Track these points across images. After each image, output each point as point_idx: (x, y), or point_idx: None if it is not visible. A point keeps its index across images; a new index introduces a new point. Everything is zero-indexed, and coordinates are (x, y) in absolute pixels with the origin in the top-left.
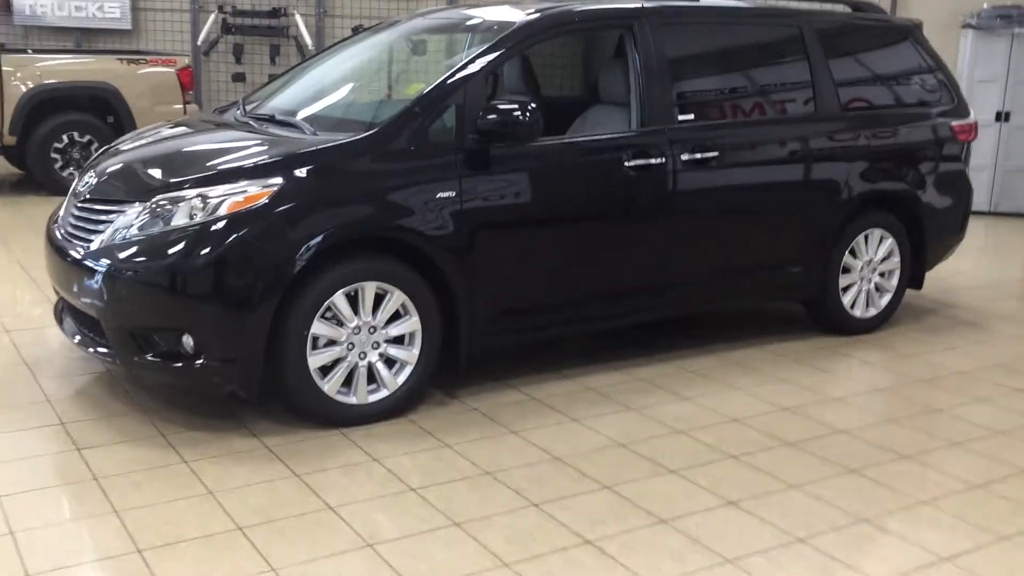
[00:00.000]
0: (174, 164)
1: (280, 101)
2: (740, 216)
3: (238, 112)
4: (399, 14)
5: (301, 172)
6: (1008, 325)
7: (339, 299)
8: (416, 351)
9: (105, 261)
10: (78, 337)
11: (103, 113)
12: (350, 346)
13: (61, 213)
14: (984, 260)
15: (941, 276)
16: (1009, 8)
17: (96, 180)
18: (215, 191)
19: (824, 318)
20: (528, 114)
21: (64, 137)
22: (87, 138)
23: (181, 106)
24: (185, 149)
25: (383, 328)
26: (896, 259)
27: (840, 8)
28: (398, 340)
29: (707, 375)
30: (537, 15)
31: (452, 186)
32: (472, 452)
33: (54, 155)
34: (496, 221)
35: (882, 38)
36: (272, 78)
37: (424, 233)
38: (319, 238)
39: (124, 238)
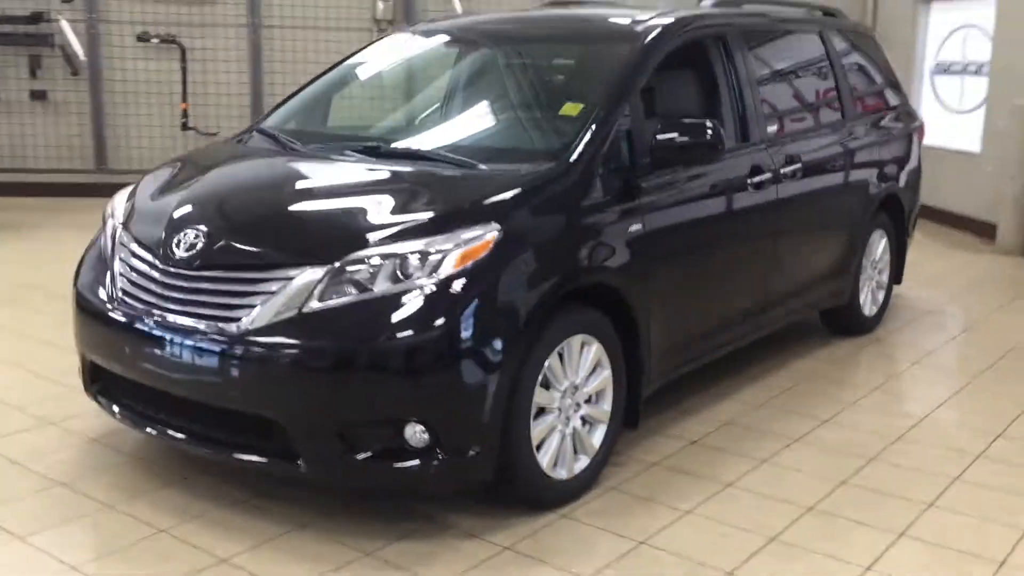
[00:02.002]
0: (330, 215)
1: (353, 127)
2: (815, 227)
3: (288, 141)
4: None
5: (518, 214)
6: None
7: (554, 359)
8: (607, 407)
9: (282, 344)
10: (180, 440)
11: None
12: (558, 412)
13: (119, 286)
14: None
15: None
16: None
17: (202, 241)
18: (431, 244)
19: (846, 321)
20: (711, 131)
21: None
22: None
23: None
24: (320, 195)
25: (584, 387)
26: (888, 256)
27: (816, 14)
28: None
29: (798, 410)
30: (672, 20)
31: (637, 217)
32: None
33: None
34: (670, 252)
35: (859, 42)
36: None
37: (620, 272)
38: (546, 291)
39: (308, 312)
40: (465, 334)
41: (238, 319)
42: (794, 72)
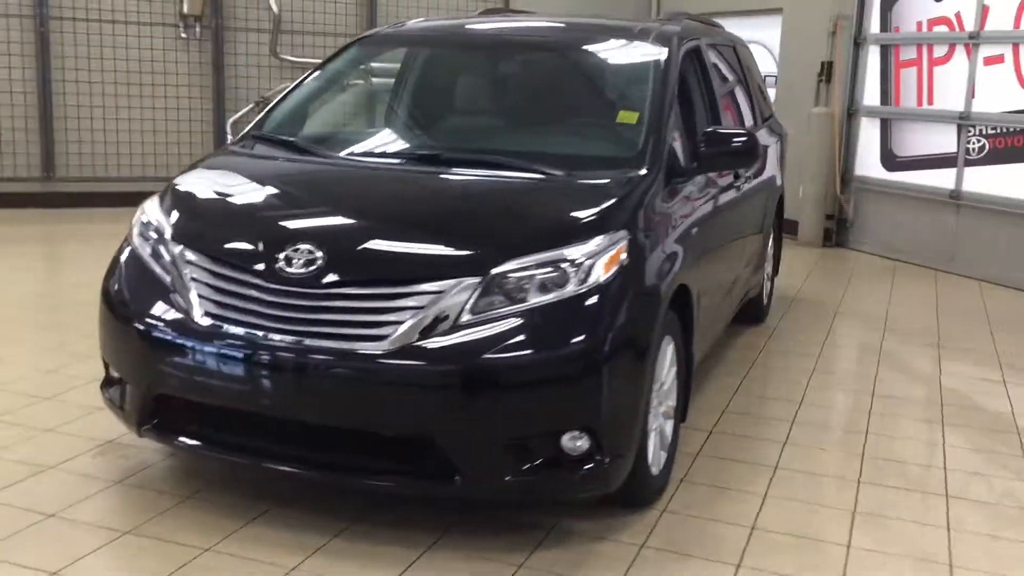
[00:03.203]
0: (464, 225)
1: (385, 138)
2: (754, 224)
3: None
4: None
5: (636, 220)
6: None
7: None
8: (673, 402)
9: (438, 361)
10: (281, 468)
11: None
12: (653, 410)
13: (202, 309)
14: None
15: None
16: None
17: (322, 257)
18: (577, 253)
19: (755, 310)
20: (747, 139)
21: None
22: None
23: None
24: (438, 205)
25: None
26: (770, 250)
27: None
28: None
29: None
30: (680, 28)
31: (692, 219)
32: None
33: None
34: (704, 250)
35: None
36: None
37: (689, 271)
38: (664, 293)
39: (462, 326)
40: (620, 338)
41: (382, 337)
42: (734, 82)
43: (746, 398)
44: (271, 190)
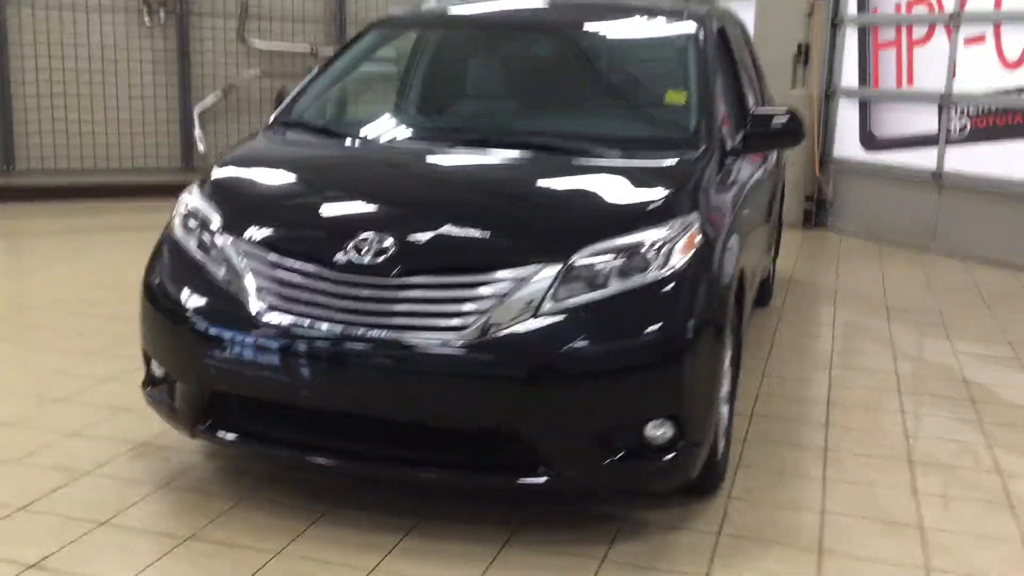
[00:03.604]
0: (538, 209)
1: (425, 121)
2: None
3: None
4: None
5: (704, 201)
6: None
7: None
8: (728, 388)
9: (524, 350)
10: (345, 465)
11: None
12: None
13: (264, 303)
14: None
15: None
16: None
17: (395, 245)
18: (656, 236)
19: (763, 293)
20: (793, 119)
21: None
22: None
23: None
24: (509, 190)
25: None
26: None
27: None
28: None
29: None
30: (705, 7)
31: (740, 200)
32: None
33: None
34: (746, 231)
35: None
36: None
37: (744, 254)
38: (734, 275)
39: (544, 313)
40: (701, 323)
41: (462, 327)
42: (749, 63)
43: (776, 381)
44: (323, 177)
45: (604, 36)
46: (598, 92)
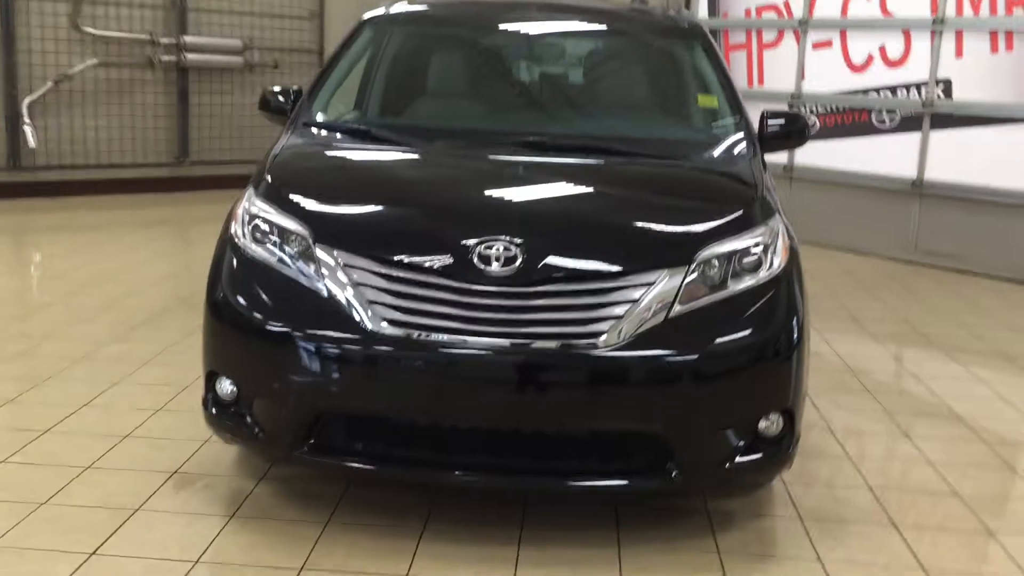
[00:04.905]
0: (648, 215)
1: (473, 123)
2: None
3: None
4: None
5: (778, 203)
6: None
7: None
8: None
9: (659, 354)
10: (467, 479)
11: None
12: None
13: (380, 316)
14: None
15: None
16: None
17: (522, 254)
18: (762, 238)
19: None
20: (801, 120)
21: None
22: None
23: None
24: (608, 195)
25: None
26: None
27: None
28: None
29: None
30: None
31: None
32: None
33: None
34: None
35: None
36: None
37: None
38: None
39: (674, 317)
40: (804, 319)
41: (598, 334)
42: None
43: None
44: (410, 184)
45: (621, 42)
46: (629, 96)
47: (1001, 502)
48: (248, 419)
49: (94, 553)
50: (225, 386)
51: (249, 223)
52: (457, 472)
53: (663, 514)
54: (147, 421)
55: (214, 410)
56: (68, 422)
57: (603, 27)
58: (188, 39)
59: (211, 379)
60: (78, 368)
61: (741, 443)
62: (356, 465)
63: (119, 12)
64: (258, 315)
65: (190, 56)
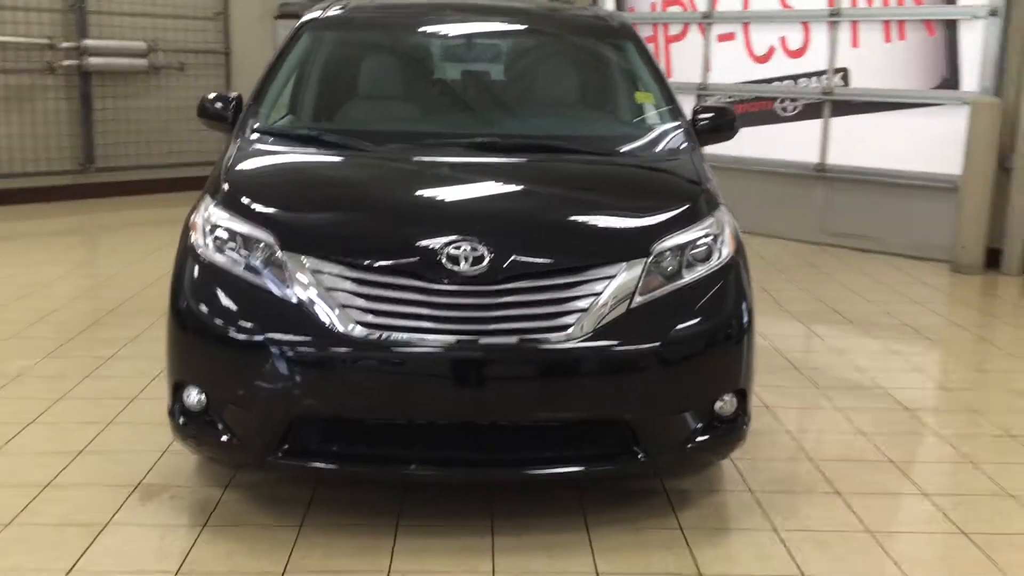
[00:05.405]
0: (604, 210)
1: (417, 126)
2: None
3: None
4: None
5: (718, 197)
6: None
7: None
8: None
9: (622, 343)
10: (441, 473)
11: None
12: None
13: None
14: None
15: None
16: None
17: (489, 253)
18: (711, 229)
19: None
20: (731, 114)
21: None
22: None
23: None
24: (563, 192)
25: None
26: None
27: None
28: None
29: None
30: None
31: None
32: None
33: None
34: None
35: None
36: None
37: None
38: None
39: (635, 307)
40: (751, 303)
41: (566, 326)
42: None
43: None
44: (369, 186)
45: (555, 39)
46: (578, 96)
47: (930, 464)
48: (220, 427)
49: (71, 570)
50: (193, 395)
51: (211, 233)
52: (439, 468)
53: (623, 496)
54: (100, 435)
55: (182, 419)
56: (17, 441)
57: (542, 28)
58: (90, 42)
59: (178, 389)
60: (17, 386)
61: (700, 424)
62: (335, 467)
63: (15, 16)
64: (229, 324)
65: (92, 60)
